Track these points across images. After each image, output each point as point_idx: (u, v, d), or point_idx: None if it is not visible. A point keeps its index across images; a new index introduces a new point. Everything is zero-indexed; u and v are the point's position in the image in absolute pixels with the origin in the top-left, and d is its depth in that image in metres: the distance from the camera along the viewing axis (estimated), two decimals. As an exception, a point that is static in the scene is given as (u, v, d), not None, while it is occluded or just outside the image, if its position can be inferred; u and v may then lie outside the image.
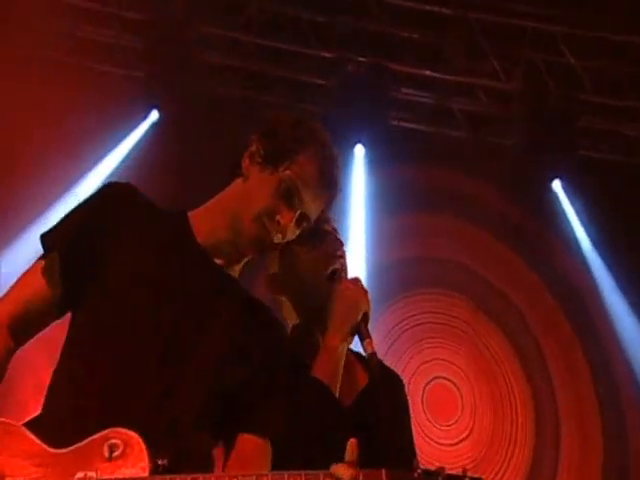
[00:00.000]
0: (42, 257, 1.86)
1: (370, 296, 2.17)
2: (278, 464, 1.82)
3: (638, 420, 6.55)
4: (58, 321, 1.88)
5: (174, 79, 6.16)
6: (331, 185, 1.97)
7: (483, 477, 1.60)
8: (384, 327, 6.34)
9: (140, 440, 1.61)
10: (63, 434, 1.65)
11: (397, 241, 6.65)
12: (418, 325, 6.71)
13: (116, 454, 1.60)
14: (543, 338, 6.77)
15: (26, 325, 1.82)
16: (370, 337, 2.08)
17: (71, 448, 1.63)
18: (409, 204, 6.57)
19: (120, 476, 1.59)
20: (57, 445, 1.64)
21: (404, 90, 6.71)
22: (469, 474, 1.54)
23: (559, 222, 6.92)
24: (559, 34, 6.49)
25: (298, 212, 1.90)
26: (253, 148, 1.94)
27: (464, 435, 6.56)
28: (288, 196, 1.89)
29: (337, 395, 2.11)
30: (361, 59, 6.46)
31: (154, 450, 1.61)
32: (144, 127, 6.40)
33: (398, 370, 2.45)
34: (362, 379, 2.27)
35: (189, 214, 1.97)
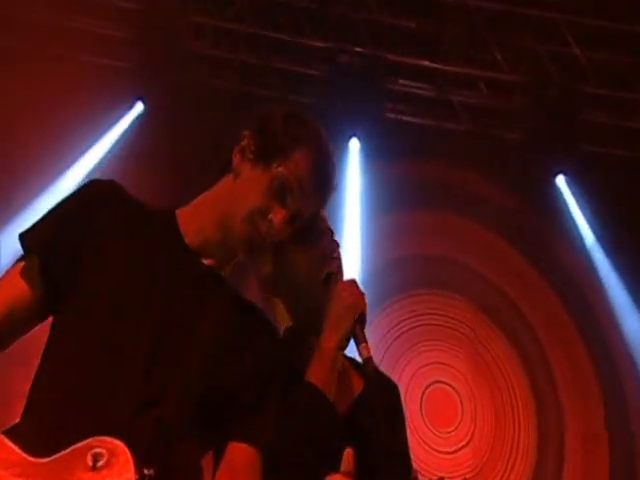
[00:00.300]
0: (21, 258, 1.85)
1: (367, 298, 2.17)
2: (270, 473, 1.82)
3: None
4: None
5: (162, 70, 6.16)
6: (326, 183, 1.96)
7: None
8: (380, 330, 6.35)
9: (126, 449, 1.60)
10: (44, 442, 1.63)
11: (393, 239, 6.66)
12: (415, 327, 6.72)
13: (100, 464, 1.59)
14: (546, 339, 6.79)
15: (9, 328, 1.81)
16: (366, 341, 2.08)
17: (53, 457, 1.61)
18: (406, 201, 6.59)
19: (105, 487, 1.59)
20: (38, 454, 1.62)
21: (401, 81, 6.72)
22: (470, 484, 1.54)
23: (562, 219, 6.94)
24: (564, 23, 6.49)
25: (292, 211, 1.89)
26: (244, 143, 1.94)
27: (464, 442, 6.57)
28: (281, 194, 1.88)
29: (332, 401, 2.11)
30: (357, 49, 6.46)
31: (140, 459, 1.60)
32: (129, 119, 6.41)
33: (395, 375, 2.45)
34: (357, 385, 2.27)
35: (176, 212, 1.96)
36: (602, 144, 6.86)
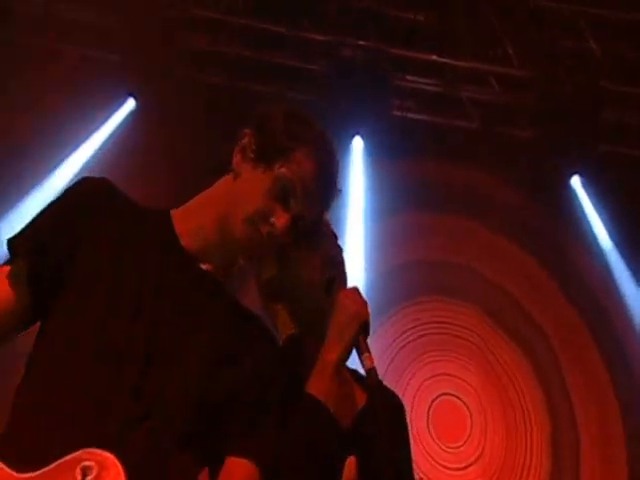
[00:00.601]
0: (8, 262, 1.85)
1: (370, 307, 2.18)
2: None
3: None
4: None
5: (154, 64, 6.16)
6: (330, 184, 1.98)
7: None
8: (384, 340, 6.34)
9: (117, 462, 1.60)
10: (30, 456, 1.63)
11: (398, 243, 6.66)
12: (421, 337, 6.72)
13: (90, 477, 1.59)
14: (560, 348, 6.77)
15: None
16: (369, 351, 2.08)
17: (40, 472, 1.61)
18: (411, 202, 6.58)
19: (94, 502, 1.59)
20: (24, 469, 1.62)
21: (408, 77, 6.71)
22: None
23: (578, 221, 6.93)
24: (579, 15, 6.48)
25: (294, 214, 1.90)
26: (245, 142, 1.95)
27: (473, 458, 6.56)
28: (283, 196, 1.90)
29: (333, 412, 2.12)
30: (360, 42, 6.45)
31: (132, 473, 1.60)
32: (121, 114, 6.42)
33: (400, 387, 2.46)
34: (360, 399, 2.27)
35: (172, 212, 1.97)
36: (620, 143, 6.85)
